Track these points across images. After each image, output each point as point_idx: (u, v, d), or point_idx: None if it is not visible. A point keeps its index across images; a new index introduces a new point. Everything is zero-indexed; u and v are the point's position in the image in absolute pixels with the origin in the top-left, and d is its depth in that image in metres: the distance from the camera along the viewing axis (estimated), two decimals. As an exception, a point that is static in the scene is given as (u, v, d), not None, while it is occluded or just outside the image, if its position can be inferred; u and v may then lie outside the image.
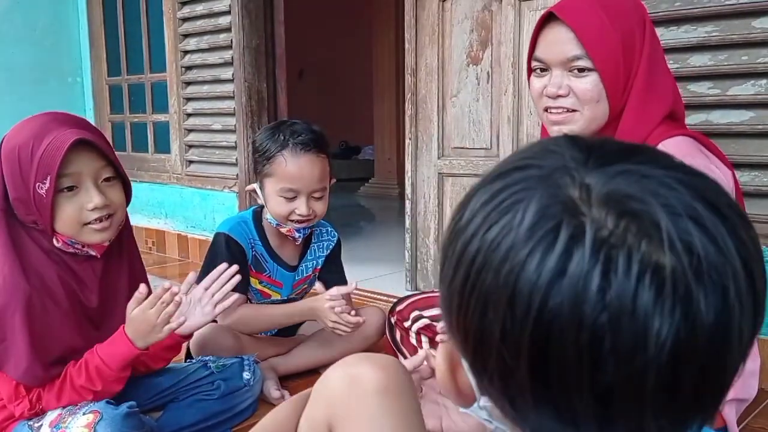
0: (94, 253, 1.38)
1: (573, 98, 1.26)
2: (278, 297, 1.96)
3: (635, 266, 0.38)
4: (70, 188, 1.30)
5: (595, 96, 1.25)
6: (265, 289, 1.94)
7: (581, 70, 1.24)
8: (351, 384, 0.84)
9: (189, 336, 1.48)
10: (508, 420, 0.47)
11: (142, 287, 1.34)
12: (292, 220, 1.82)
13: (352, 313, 1.79)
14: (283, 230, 1.86)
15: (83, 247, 1.36)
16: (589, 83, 1.24)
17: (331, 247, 2.04)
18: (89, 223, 1.32)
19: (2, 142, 1.31)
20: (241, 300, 1.80)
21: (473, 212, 0.44)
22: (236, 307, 1.72)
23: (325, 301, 1.78)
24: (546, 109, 1.31)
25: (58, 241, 1.33)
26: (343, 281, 2.01)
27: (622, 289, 0.38)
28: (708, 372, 0.40)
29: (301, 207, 1.79)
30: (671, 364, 0.39)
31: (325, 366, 1.94)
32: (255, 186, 1.88)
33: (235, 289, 1.82)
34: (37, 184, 1.25)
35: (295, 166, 1.77)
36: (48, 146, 1.25)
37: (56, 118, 1.32)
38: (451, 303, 0.45)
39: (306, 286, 2.04)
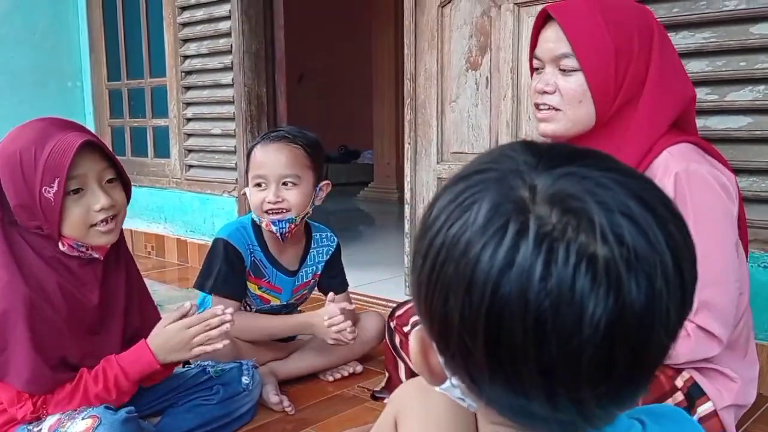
0: (97, 256, 1.39)
1: (558, 96, 1.28)
2: (278, 302, 1.96)
3: (573, 257, 0.43)
4: (76, 191, 1.31)
5: (578, 96, 1.25)
6: (265, 295, 1.94)
7: (569, 69, 1.25)
8: (415, 384, 0.90)
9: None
10: (471, 394, 0.52)
11: (188, 304, 1.38)
12: (265, 211, 1.82)
13: (350, 328, 1.79)
14: (263, 225, 1.85)
15: (87, 249, 1.36)
16: (573, 82, 1.25)
17: (330, 252, 2.04)
18: (95, 225, 1.33)
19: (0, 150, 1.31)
20: (236, 306, 1.81)
21: (440, 210, 0.49)
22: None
23: (323, 319, 1.79)
24: (536, 106, 1.33)
25: (63, 244, 1.34)
26: (344, 285, 2.02)
27: (561, 278, 0.43)
28: (638, 350, 0.45)
29: (269, 194, 1.79)
30: (605, 343, 0.44)
31: (324, 371, 1.96)
32: (246, 189, 1.90)
33: (231, 297, 1.84)
34: (44, 188, 1.25)
35: (263, 153, 1.82)
36: (53, 150, 1.25)
37: (54, 123, 1.33)
38: (420, 291, 0.50)
39: (306, 291, 2.04)
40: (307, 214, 1.88)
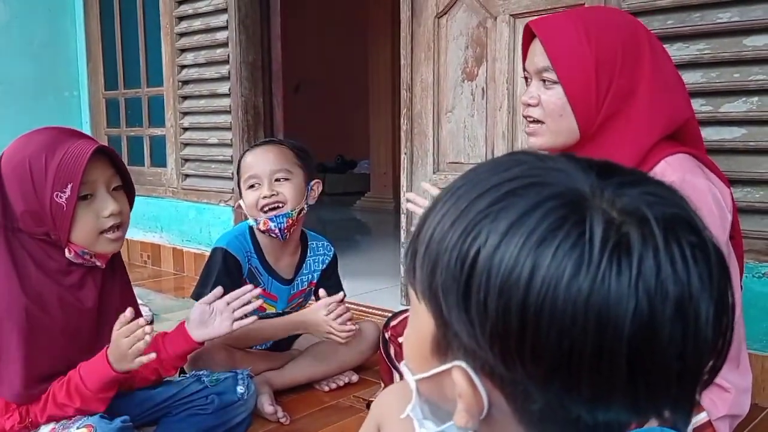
0: (99, 264, 1.39)
1: (540, 109, 1.29)
2: (273, 310, 1.96)
3: (685, 263, 0.44)
4: (86, 197, 1.32)
5: (558, 109, 1.26)
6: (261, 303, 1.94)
7: (549, 81, 1.27)
8: (396, 390, 0.90)
9: (201, 343, 1.49)
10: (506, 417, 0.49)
11: (129, 311, 1.32)
12: (261, 210, 1.84)
13: (348, 321, 1.81)
14: (261, 227, 1.86)
15: (91, 257, 1.36)
16: (554, 95, 1.27)
17: (327, 261, 2.05)
18: (104, 232, 1.34)
19: (2, 158, 1.32)
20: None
21: (501, 240, 0.45)
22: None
23: (318, 312, 1.81)
24: (525, 118, 1.35)
25: (70, 251, 1.34)
26: (340, 292, 2.02)
27: (682, 284, 0.44)
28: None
29: (263, 190, 1.84)
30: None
31: (319, 380, 1.96)
32: (240, 201, 1.94)
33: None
34: (55, 194, 1.26)
35: (252, 157, 1.89)
36: (66, 155, 1.27)
37: (61, 131, 1.34)
38: (504, 320, 0.45)
39: (301, 299, 2.05)
40: (303, 210, 1.90)
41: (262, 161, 1.86)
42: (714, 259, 0.45)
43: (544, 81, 1.28)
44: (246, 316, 1.51)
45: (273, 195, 1.83)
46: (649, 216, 0.44)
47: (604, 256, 0.42)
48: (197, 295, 1.86)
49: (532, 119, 1.31)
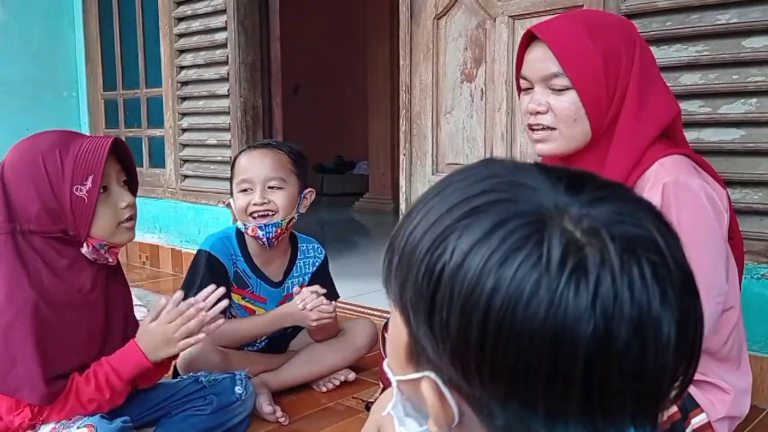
0: (111, 260, 1.41)
1: (551, 116, 1.26)
2: (263, 312, 1.94)
3: (646, 280, 0.44)
4: (104, 189, 1.34)
5: (572, 114, 1.24)
6: (249, 305, 1.93)
7: (560, 88, 1.25)
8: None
9: (176, 356, 1.48)
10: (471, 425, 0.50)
11: (163, 299, 1.38)
12: (251, 215, 1.83)
13: (325, 302, 1.81)
14: (249, 232, 1.85)
15: (106, 252, 1.38)
16: (566, 101, 1.24)
17: (317, 263, 2.04)
18: (121, 223, 1.37)
19: (6, 162, 1.32)
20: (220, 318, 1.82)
21: (471, 248, 0.45)
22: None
23: (299, 307, 1.81)
24: (529, 127, 1.32)
25: (88, 245, 1.35)
26: (334, 297, 2.00)
27: (641, 304, 0.44)
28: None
29: (255, 196, 1.81)
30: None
31: (316, 380, 1.96)
32: (231, 200, 1.92)
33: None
34: (75, 187, 1.28)
35: (248, 159, 1.86)
36: (83, 149, 1.29)
37: (64, 131, 1.37)
38: (464, 338, 0.45)
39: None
40: (292, 220, 1.89)
41: (257, 166, 1.83)
42: (677, 279, 0.45)
43: (551, 87, 1.26)
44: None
45: (264, 203, 1.81)
46: (608, 237, 0.44)
47: (563, 278, 0.43)
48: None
49: (541, 127, 1.29)
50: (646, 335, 0.43)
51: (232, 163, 1.91)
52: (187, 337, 1.36)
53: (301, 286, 1.98)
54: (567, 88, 1.24)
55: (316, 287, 1.84)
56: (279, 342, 2.03)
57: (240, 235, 1.91)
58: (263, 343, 2.00)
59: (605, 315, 0.42)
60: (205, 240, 1.92)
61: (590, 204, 0.46)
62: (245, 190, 1.84)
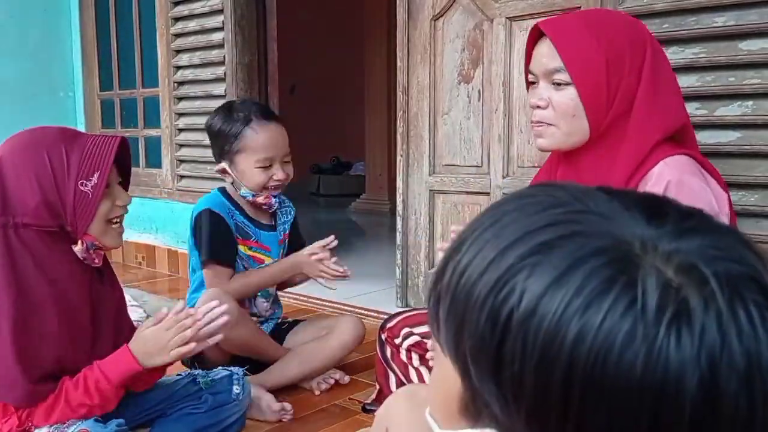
0: (97, 262, 1.41)
1: (551, 111, 1.28)
2: (270, 260, 2.02)
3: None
4: (107, 186, 1.35)
5: (571, 110, 1.25)
6: (257, 254, 2.00)
7: (561, 83, 1.26)
8: (404, 396, 0.89)
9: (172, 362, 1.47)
10: None
11: (164, 309, 1.38)
12: (268, 188, 1.93)
13: (334, 260, 1.91)
14: (260, 200, 1.94)
15: (92, 253, 1.38)
16: (565, 96, 1.26)
17: (292, 213, 2.14)
18: (113, 223, 1.38)
19: (3, 154, 1.31)
20: (229, 274, 1.91)
21: (555, 297, 0.39)
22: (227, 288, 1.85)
23: (307, 255, 1.91)
24: (532, 121, 1.33)
25: (82, 243, 1.35)
26: (303, 245, 2.10)
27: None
28: None
29: (278, 172, 1.91)
30: None
31: (308, 377, 1.96)
32: (225, 165, 1.93)
33: (225, 262, 1.91)
34: (80, 182, 1.29)
35: (266, 136, 1.90)
36: (91, 145, 1.31)
37: (65, 127, 1.38)
38: (543, 396, 0.39)
39: (283, 249, 2.11)
40: None
41: (279, 144, 1.92)
42: None
43: (553, 82, 1.27)
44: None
45: (287, 177, 1.93)
46: (710, 276, 0.38)
47: (662, 326, 0.37)
48: (215, 254, 1.90)
49: (542, 121, 1.30)
50: (755, 388, 0.37)
51: (234, 132, 1.89)
52: (181, 345, 1.34)
53: (285, 235, 2.09)
54: (567, 84, 1.25)
55: (330, 239, 1.94)
56: (277, 338, 2.04)
57: (226, 193, 1.99)
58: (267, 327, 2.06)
59: (712, 367, 0.37)
60: (198, 204, 1.98)
61: (679, 237, 0.40)
62: (265, 167, 1.90)
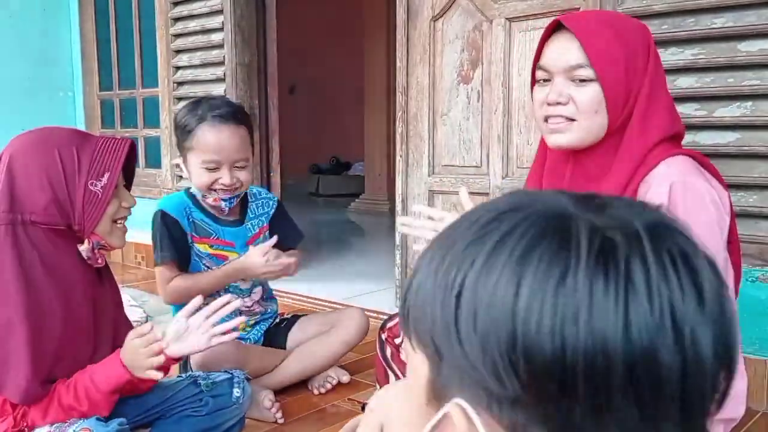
0: (100, 262, 1.42)
1: (572, 107, 1.27)
2: (236, 256, 1.93)
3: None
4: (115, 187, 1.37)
5: (594, 106, 1.25)
6: (219, 252, 1.94)
7: (583, 79, 1.25)
8: (396, 390, 0.91)
9: (177, 359, 1.47)
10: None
11: (148, 325, 1.37)
12: (215, 190, 1.85)
13: (282, 258, 1.85)
14: (209, 201, 1.88)
15: (97, 252, 1.39)
16: (589, 93, 1.25)
17: (273, 204, 2.08)
18: (117, 221, 1.39)
19: (13, 152, 1.32)
20: (171, 275, 1.86)
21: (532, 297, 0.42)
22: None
23: (252, 256, 1.84)
24: (545, 119, 1.32)
25: (89, 242, 1.36)
26: (299, 236, 2.07)
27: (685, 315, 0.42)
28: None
29: (224, 177, 1.83)
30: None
31: (309, 375, 1.96)
32: (178, 160, 1.93)
33: (176, 262, 1.87)
34: (90, 182, 1.30)
35: (215, 138, 1.82)
36: (102, 146, 1.33)
37: (75, 129, 1.40)
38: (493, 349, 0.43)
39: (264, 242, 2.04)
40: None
41: (225, 149, 1.82)
42: (705, 266, 0.43)
43: (574, 78, 1.26)
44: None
45: (234, 183, 1.84)
46: (636, 223, 0.43)
47: (591, 259, 0.41)
48: (160, 256, 1.88)
49: (561, 118, 1.29)
50: (681, 329, 0.41)
51: (189, 128, 1.85)
52: (152, 368, 1.33)
53: (262, 228, 2.02)
54: (590, 80, 1.24)
55: (270, 241, 1.87)
56: (275, 336, 2.04)
57: (190, 192, 1.95)
58: (260, 338, 2.01)
59: (636, 298, 0.40)
60: (159, 202, 1.96)
61: (606, 206, 0.45)
62: (210, 169, 1.84)
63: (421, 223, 1.43)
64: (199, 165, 1.83)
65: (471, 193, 2.50)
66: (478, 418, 0.46)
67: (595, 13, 1.35)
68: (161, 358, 1.33)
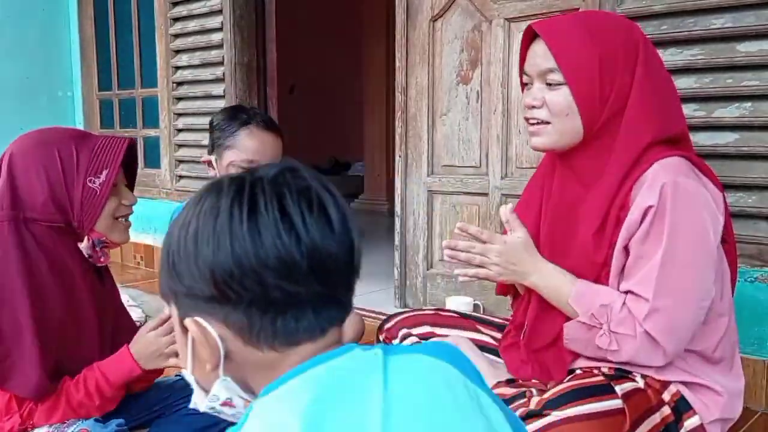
0: (103, 260, 1.44)
1: (545, 110, 1.29)
2: None
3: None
4: (114, 184, 1.37)
5: (565, 109, 1.27)
6: None
7: (554, 83, 1.27)
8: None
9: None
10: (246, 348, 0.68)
11: (167, 311, 1.36)
12: None
13: None
14: None
15: (99, 250, 1.40)
16: (559, 96, 1.27)
17: None
18: (119, 218, 1.39)
19: (14, 151, 1.32)
20: None
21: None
22: None
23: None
24: (527, 120, 1.34)
25: (89, 239, 1.37)
26: None
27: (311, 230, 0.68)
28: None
29: None
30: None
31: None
32: (212, 158, 1.95)
33: None
34: (89, 179, 1.31)
35: (257, 141, 1.90)
36: (101, 144, 1.34)
37: (73, 128, 1.40)
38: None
39: None
40: None
41: (268, 154, 1.89)
42: (317, 184, 0.69)
43: (547, 82, 1.28)
44: None
45: None
46: (261, 174, 0.66)
47: (228, 201, 0.64)
48: None
49: (536, 121, 1.31)
50: (295, 224, 0.65)
51: (232, 129, 1.91)
52: (175, 354, 1.34)
53: None
54: (561, 84, 1.26)
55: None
56: None
57: None
58: None
59: (264, 219, 0.63)
60: (176, 209, 1.95)
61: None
62: (245, 167, 1.87)
63: (466, 244, 1.38)
64: (236, 163, 1.88)
65: (470, 194, 2.51)
66: (210, 327, 0.67)
67: (572, 17, 1.35)
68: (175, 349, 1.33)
